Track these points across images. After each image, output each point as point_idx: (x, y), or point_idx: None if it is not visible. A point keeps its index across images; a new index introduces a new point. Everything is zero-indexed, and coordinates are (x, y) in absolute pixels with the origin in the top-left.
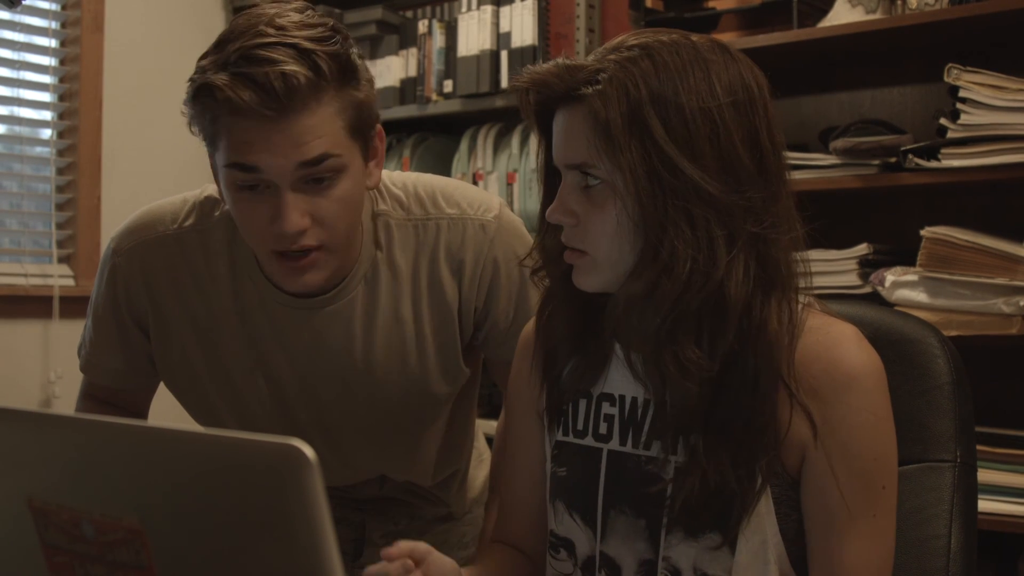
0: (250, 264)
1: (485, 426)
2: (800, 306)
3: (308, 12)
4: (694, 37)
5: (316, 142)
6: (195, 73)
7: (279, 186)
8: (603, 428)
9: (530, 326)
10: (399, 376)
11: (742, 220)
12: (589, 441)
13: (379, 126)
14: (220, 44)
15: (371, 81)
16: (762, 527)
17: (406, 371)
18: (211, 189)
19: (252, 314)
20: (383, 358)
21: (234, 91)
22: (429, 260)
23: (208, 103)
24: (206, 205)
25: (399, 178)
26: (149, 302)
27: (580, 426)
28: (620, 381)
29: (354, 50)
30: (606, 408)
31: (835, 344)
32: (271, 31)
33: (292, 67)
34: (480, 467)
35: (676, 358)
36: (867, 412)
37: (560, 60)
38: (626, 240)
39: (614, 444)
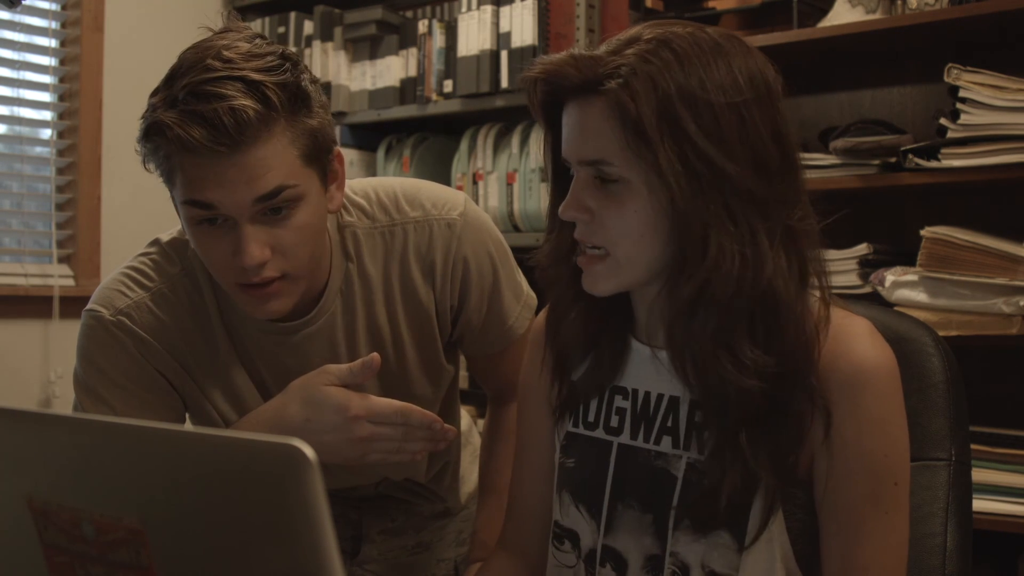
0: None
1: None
2: (816, 299)
3: (257, 41)
4: (708, 29)
5: (270, 175)
6: (146, 111)
7: (237, 220)
8: (615, 421)
9: (541, 319)
10: (383, 382)
11: (778, 213)
12: (600, 433)
13: (337, 149)
14: (169, 80)
15: (325, 106)
16: (770, 526)
17: (389, 377)
18: (166, 236)
19: (244, 344)
20: None
21: (184, 129)
22: (399, 265)
23: (160, 141)
24: (173, 251)
25: (359, 186)
26: (170, 355)
27: (591, 418)
28: (635, 375)
29: (305, 76)
30: (618, 401)
31: (848, 339)
32: (218, 64)
33: (241, 101)
34: (476, 462)
35: (735, 358)
36: (879, 408)
37: (575, 51)
38: (656, 238)
39: (624, 438)
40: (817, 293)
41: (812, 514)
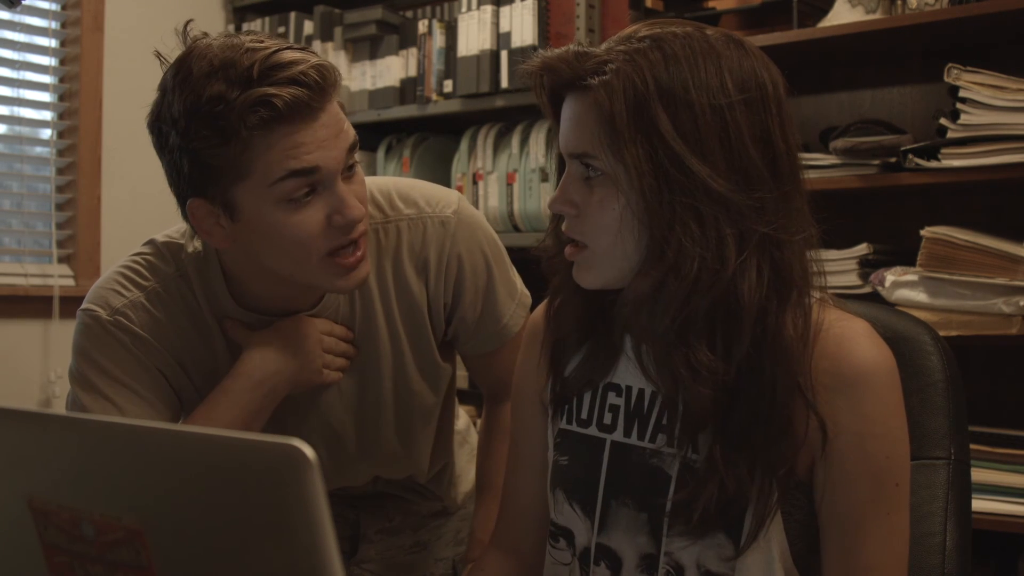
0: (226, 299)
1: None
2: (813, 301)
3: (249, 32)
4: (708, 30)
5: (346, 125)
6: (212, 106)
7: (331, 181)
8: (608, 418)
9: (539, 313)
10: (381, 378)
11: (752, 220)
12: (593, 431)
13: None
14: (213, 74)
15: None
16: (766, 526)
17: (387, 373)
18: (161, 236)
19: (239, 345)
20: (366, 364)
21: (288, 93)
22: (393, 262)
23: (254, 120)
24: (168, 251)
25: None
26: (168, 352)
27: (584, 415)
28: (629, 372)
29: None
30: (612, 398)
31: (847, 341)
32: (260, 44)
33: (314, 59)
34: (473, 462)
35: (687, 360)
36: (880, 409)
37: (572, 46)
38: (629, 236)
39: (618, 435)
40: (816, 294)
41: (811, 514)
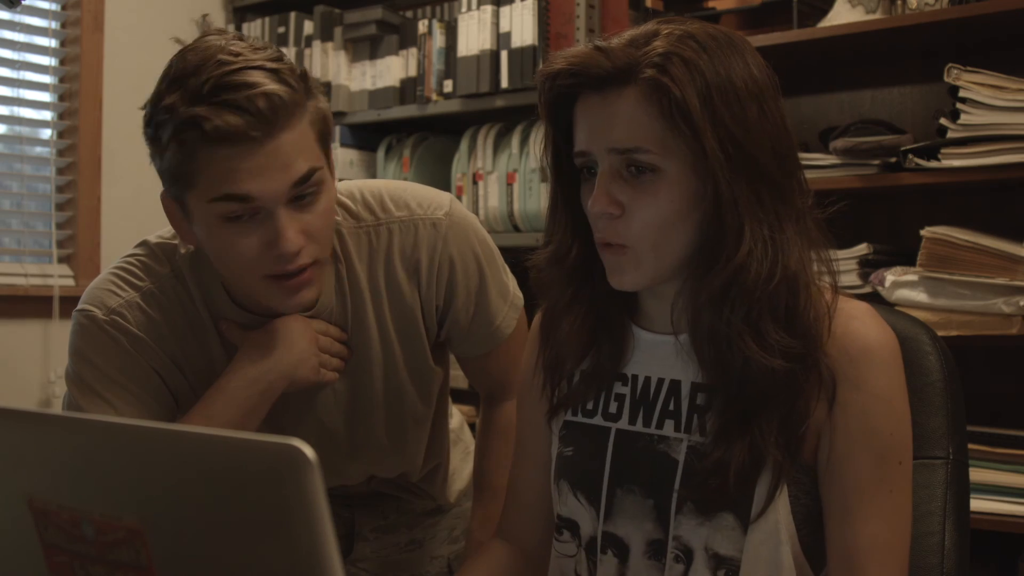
0: (222, 298)
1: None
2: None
3: (250, 38)
4: (709, 28)
5: (300, 159)
6: (161, 114)
7: (272, 209)
8: (613, 407)
9: (539, 318)
10: (372, 380)
11: (795, 200)
12: (598, 420)
13: None
14: (178, 81)
15: (323, 91)
16: (775, 507)
17: (378, 375)
18: (154, 237)
19: (235, 347)
20: (358, 366)
21: (221, 119)
22: (384, 265)
23: (188, 138)
24: (162, 252)
25: (344, 187)
26: (163, 352)
27: (589, 406)
28: (634, 362)
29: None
30: (617, 388)
31: (850, 319)
32: (230, 58)
33: (270, 86)
34: (467, 460)
35: (762, 340)
36: (884, 385)
37: (598, 43)
38: (682, 228)
39: (623, 423)
40: (827, 277)
41: (817, 499)
